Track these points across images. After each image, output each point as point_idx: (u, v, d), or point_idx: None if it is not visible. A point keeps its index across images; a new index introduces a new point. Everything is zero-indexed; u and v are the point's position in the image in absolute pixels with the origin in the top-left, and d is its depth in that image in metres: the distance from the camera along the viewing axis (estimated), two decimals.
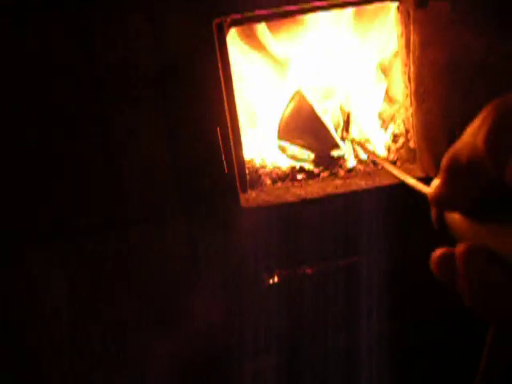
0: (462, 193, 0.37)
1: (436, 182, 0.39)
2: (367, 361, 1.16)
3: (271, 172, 1.25)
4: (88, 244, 1.09)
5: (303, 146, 1.27)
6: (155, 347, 1.14)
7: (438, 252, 0.41)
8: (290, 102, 1.25)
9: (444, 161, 0.37)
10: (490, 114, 0.32)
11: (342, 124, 1.27)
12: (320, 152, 1.25)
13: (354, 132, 1.28)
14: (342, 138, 1.25)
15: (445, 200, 0.39)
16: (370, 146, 1.25)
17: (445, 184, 0.38)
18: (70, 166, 1.07)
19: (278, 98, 1.30)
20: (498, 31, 1.04)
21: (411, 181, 0.64)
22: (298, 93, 1.25)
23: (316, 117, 1.23)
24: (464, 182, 0.36)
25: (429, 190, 0.42)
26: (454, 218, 0.40)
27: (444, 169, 0.37)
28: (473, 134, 0.34)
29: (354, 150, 1.24)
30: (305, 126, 1.24)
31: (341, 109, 1.29)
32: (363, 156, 1.24)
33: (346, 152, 1.25)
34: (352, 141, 1.24)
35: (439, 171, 0.38)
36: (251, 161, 1.26)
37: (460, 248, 0.37)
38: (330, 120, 1.28)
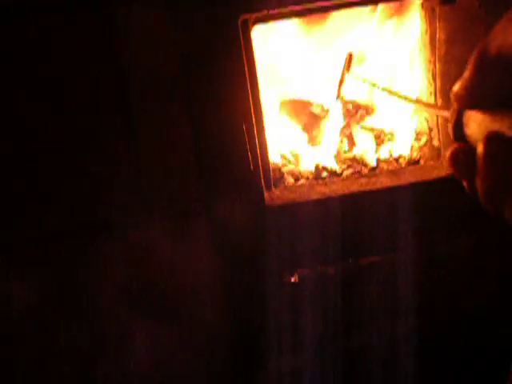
0: (490, 83, 0.36)
1: (462, 78, 0.38)
2: (390, 360, 1.15)
3: (294, 170, 1.25)
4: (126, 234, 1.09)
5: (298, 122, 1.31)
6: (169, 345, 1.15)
7: (454, 147, 0.40)
8: None
9: (472, 55, 0.37)
10: None
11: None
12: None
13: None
14: (342, 77, 1.23)
15: (472, 93, 0.38)
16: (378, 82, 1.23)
17: (473, 75, 0.37)
18: (94, 165, 1.07)
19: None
20: None
21: (428, 106, 0.61)
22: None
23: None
24: (492, 72, 0.36)
25: (446, 113, 0.41)
26: (475, 115, 0.38)
27: (472, 61, 0.37)
28: (502, 25, 0.35)
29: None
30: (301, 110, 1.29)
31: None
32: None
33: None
34: (356, 77, 1.22)
35: (465, 70, 0.38)
36: (275, 158, 1.26)
37: (485, 135, 0.36)
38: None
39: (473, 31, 1.04)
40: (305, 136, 1.30)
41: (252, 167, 1.06)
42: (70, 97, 1.03)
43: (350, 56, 1.22)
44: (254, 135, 1.07)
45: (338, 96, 1.22)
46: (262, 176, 1.10)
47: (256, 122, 1.08)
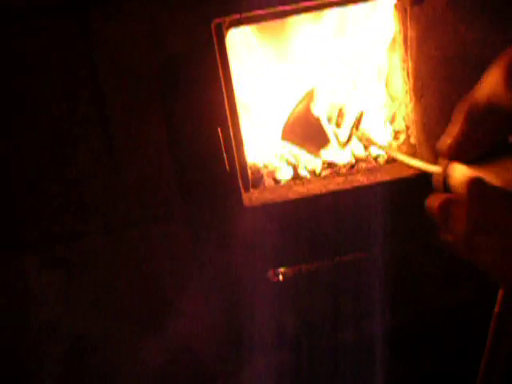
0: (481, 134, 0.37)
1: (448, 135, 0.39)
2: (374, 356, 1.16)
3: (273, 172, 1.26)
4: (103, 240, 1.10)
5: (304, 149, 1.27)
6: (153, 346, 1.16)
7: (437, 197, 0.43)
8: (300, 103, 1.26)
9: (457, 110, 0.37)
10: (503, 58, 0.33)
11: (348, 122, 1.28)
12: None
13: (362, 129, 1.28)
14: (350, 136, 1.24)
15: (463, 146, 0.39)
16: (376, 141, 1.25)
17: (464, 129, 0.38)
18: (72, 168, 1.09)
19: (279, 98, 1.31)
20: (493, 25, 1.05)
21: (421, 165, 0.65)
22: (309, 93, 1.26)
23: (320, 125, 1.24)
24: (484, 125, 0.36)
25: (438, 169, 0.43)
26: (461, 167, 0.40)
27: (461, 115, 0.37)
28: (490, 77, 0.34)
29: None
30: (309, 133, 1.25)
31: (341, 110, 1.30)
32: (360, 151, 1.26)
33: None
34: (361, 137, 1.24)
35: (452, 124, 0.38)
36: (253, 161, 1.27)
37: (468, 179, 0.38)
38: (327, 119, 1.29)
39: (441, 29, 1.06)
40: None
41: (228, 169, 1.08)
42: (44, 102, 1.05)
43: (361, 115, 1.24)
44: (231, 138, 1.09)
45: (344, 145, 1.23)
46: (239, 177, 1.12)
47: (232, 125, 1.10)
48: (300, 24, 1.25)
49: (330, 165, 1.24)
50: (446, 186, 0.44)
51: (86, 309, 1.16)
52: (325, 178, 1.19)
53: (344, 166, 1.24)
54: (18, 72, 1.03)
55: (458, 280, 1.18)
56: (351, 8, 1.21)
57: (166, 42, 1.04)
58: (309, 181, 1.19)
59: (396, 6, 1.17)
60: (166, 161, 1.08)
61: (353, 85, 1.33)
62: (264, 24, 1.20)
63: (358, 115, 1.25)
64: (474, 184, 0.38)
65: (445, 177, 0.44)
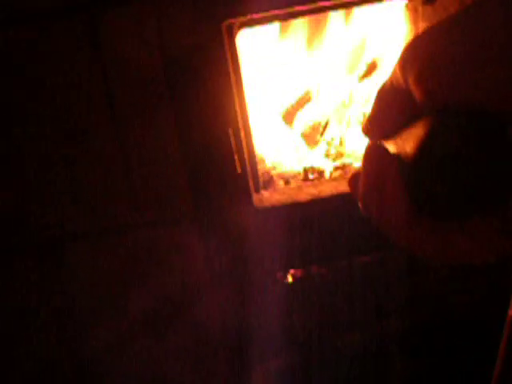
0: (391, 114, 0.39)
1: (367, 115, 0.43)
2: (382, 359, 1.16)
3: (283, 173, 1.26)
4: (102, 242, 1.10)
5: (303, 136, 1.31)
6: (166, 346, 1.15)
7: (353, 172, 0.44)
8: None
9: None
10: (406, 44, 0.37)
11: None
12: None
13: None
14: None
15: (376, 124, 0.41)
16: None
17: (375, 109, 0.41)
18: (83, 167, 1.08)
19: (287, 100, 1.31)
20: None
21: None
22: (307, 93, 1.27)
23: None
24: (392, 104, 0.39)
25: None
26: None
27: (375, 97, 0.41)
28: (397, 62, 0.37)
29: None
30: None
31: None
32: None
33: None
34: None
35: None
36: (263, 162, 1.27)
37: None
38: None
39: None
40: (296, 140, 1.32)
41: (239, 170, 1.07)
42: (57, 105, 1.05)
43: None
44: (241, 139, 1.08)
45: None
46: (250, 179, 1.11)
47: (243, 126, 1.10)
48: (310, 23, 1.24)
49: (341, 167, 1.24)
50: None
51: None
52: (335, 179, 1.19)
53: (354, 167, 1.24)
54: (26, 75, 1.04)
55: (473, 279, 1.17)
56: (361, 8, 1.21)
57: (177, 42, 1.04)
58: (319, 182, 1.18)
59: (407, 6, 1.17)
60: (176, 161, 1.08)
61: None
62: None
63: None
64: (369, 147, 0.40)
65: None
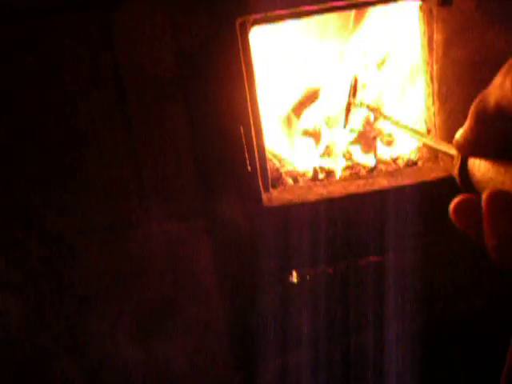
0: (489, 136, 0.37)
1: (463, 128, 0.39)
2: (392, 359, 1.16)
3: (291, 171, 1.26)
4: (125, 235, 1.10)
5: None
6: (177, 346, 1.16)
7: (458, 199, 0.39)
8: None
9: (472, 106, 0.37)
10: None
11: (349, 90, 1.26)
12: None
13: (363, 97, 1.26)
14: (349, 105, 1.22)
15: (472, 143, 0.38)
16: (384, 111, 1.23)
17: (473, 127, 0.37)
18: (92, 165, 1.08)
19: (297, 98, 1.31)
20: None
21: (435, 142, 0.60)
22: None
23: None
24: (492, 125, 0.36)
25: (454, 152, 0.42)
26: (479, 164, 0.39)
27: (472, 112, 0.37)
28: (500, 78, 0.34)
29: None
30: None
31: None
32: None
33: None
34: (361, 105, 1.21)
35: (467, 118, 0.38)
36: (272, 159, 1.27)
37: (486, 192, 0.36)
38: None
39: (469, 33, 1.05)
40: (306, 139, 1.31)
41: (250, 169, 1.07)
42: (68, 100, 1.04)
43: (356, 81, 1.21)
44: (252, 137, 1.08)
45: (346, 125, 1.19)
46: (259, 177, 1.11)
47: (254, 123, 1.09)
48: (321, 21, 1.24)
49: (350, 167, 1.24)
50: (465, 182, 0.42)
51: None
52: (345, 179, 1.18)
53: (364, 167, 1.23)
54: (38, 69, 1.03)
55: (483, 284, 1.17)
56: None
57: (190, 38, 1.04)
58: (329, 182, 1.18)
59: (421, 7, 1.16)
60: (187, 159, 1.08)
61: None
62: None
63: (353, 82, 1.21)
64: (494, 197, 0.35)
65: (463, 170, 0.42)
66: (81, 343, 1.18)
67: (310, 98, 1.31)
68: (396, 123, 0.95)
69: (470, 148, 0.39)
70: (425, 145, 0.67)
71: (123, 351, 1.17)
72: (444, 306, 1.17)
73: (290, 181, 1.23)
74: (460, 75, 1.08)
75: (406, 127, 0.88)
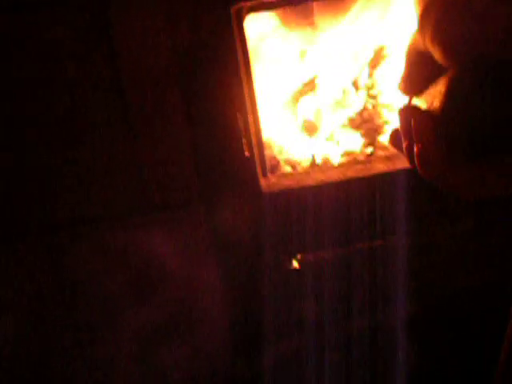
0: (420, 72, 0.45)
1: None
2: (390, 345, 1.16)
3: (289, 158, 1.25)
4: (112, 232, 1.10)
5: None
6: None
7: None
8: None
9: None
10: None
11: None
12: None
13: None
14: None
15: (409, 82, 0.47)
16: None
17: (406, 68, 0.47)
18: (91, 160, 1.08)
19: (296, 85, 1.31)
20: None
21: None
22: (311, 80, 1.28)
23: None
24: (419, 63, 0.45)
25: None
26: (415, 101, 0.47)
27: (405, 58, 0.47)
28: (418, 26, 0.43)
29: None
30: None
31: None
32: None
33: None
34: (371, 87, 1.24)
35: None
36: (270, 147, 1.27)
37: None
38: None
39: None
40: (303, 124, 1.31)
41: (247, 154, 1.07)
42: (64, 98, 1.05)
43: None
44: (249, 123, 1.08)
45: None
46: (257, 164, 1.11)
47: (251, 111, 1.09)
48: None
49: (348, 153, 1.24)
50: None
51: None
52: (343, 165, 1.19)
53: (361, 153, 1.23)
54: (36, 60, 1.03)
55: (483, 263, 1.17)
56: None
57: (185, 27, 1.04)
58: (327, 168, 1.18)
59: None
60: (185, 145, 1.08)
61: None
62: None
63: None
64: (406, 109, 0.46)
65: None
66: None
67: (308, 85, 1.31)
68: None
69: (407, 88, 0.48)
70: None
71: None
72: (444, 289, 1.18)
73: (288, 168, 1.23)
74: None
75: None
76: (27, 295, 1.15)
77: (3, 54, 1.02)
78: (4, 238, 1.12)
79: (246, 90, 1.08)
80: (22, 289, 1.15)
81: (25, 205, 1.10)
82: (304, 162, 1.23)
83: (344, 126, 1.30)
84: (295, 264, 1.15)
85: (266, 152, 1.20)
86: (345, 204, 1.11)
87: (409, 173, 1.12)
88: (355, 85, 1.32)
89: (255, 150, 1.10)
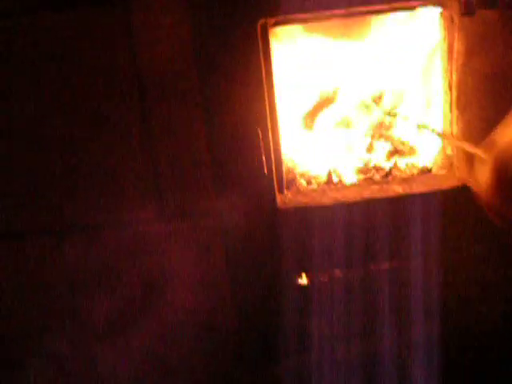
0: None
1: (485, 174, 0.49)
2: (402, 366, 1.16)
3: (304, 172, 1.26)
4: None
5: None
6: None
7: None
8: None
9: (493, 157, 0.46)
10: None
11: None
12: None
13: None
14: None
15: (496, 206, 0.47)
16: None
17: (496, 191, 0.46)
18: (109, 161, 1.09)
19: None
20: None
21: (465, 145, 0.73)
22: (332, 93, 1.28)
23: None
24: None
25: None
26: None
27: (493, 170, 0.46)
28: None
29: None
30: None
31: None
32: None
33: None
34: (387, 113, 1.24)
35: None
36: (286, 160, 1.27)
37: None
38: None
39: (490, 44, 1.05)
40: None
41: (266, 171, 1.07)
42: (86, 101, 1.05)
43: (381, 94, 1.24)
44: (269, 139, 1.08)
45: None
46: (275, 180, 1.11)
47: (271, 126, 1.09)
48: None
49: (363, 171, 1.24)
50: None
51: None
52: (359, 184, 1.19)
53: (377, 171, 1.23)
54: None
55: (504, 288, 1.17)
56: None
57: (211, 38, 1.04)
58: (343, 186, 1.18)
59: (442, 14, 1.16)
60: (204, 157, 1.08)
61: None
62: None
63: (379, 93, 1.23)
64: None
65: None
66: None
67: (327, 100, 1.31)
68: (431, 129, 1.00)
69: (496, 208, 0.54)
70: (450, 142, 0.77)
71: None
72: (462, 311, 1.17)
73: (303, 182, 1.23)
74: (480, 85, 1.08)
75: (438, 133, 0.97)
76: None
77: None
78: None
79: (267, 106, 1.08)
80: None
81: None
82: (320, 177, 1.23)
83: (362, 140, 1.30)
84: (304, 281, 1.15)
85: (283, 166, 1.20)
86: (360, 224, 1.11)
87: (425, 196, 1.12)
88: (375, 100, 1.32)
89: (273, 166, 1.10)
